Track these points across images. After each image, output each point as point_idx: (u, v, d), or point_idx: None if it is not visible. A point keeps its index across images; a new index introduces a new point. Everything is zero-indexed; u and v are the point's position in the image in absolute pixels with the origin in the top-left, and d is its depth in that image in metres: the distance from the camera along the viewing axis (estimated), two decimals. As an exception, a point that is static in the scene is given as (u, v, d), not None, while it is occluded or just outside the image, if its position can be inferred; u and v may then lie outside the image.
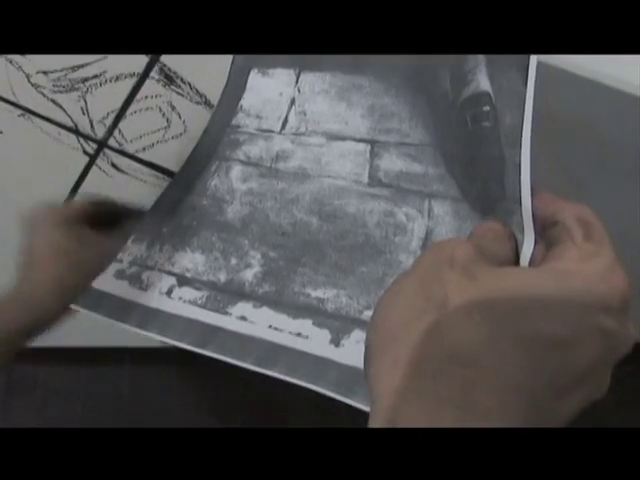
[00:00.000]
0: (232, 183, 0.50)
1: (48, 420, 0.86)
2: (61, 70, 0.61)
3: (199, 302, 0.46)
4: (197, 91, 0.59)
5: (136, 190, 0.65)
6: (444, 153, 0.45)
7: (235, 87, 0.52)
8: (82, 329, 0.57)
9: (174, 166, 0.61)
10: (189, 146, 0.56)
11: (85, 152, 0.67)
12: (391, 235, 0.45)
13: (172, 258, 0.49)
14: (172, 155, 0.61)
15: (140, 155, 0.65)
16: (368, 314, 0.43)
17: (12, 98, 0.64)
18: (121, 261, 0.51)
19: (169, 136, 0.63)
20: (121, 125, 0.64)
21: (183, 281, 0.48)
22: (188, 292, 0.47)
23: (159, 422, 0.82)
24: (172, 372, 0.83)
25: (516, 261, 0.32)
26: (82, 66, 0.61)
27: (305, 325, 0.43)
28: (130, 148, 0.65)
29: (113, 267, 0.50)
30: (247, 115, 0.52)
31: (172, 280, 0.48)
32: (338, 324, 0.43)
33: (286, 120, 0.50)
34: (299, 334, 0.43)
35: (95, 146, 0.66)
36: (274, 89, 0.51)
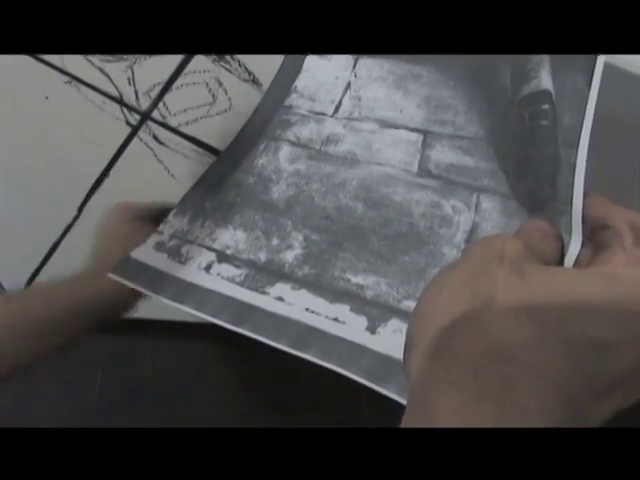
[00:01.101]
0: (280, 163, 0.54)
1: (68, 386, 0.91)
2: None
3: (237, 280, 0.50)
4: (246, 69, 0.63)
5: (175, 163, 0.70)
6: (497, 149, 0.48)
7: (291, 67, 0.56)
8: None
9: (216, 142, 0.65)
10: (233, 123, 0.60)
11: (128, 123, 0.71)
12: (436, 226, 0.48)
13: (213, 234, 0.53)
14: (215, 131, 0.65)
15: (183, 129, 0.69)
16: (407, 304, 0.46)
17: (60, 65, 0.69)
18: (162, 233, 0.55)
19: (213, 112, 0.66)
20: (166, 98, 0.68)
21: (223, 258, 0.52)
22: (227, 269, 0.51)
23: (177, 395, 0.86)
24: (193, 347, 0.87)
25: (561, 262, 0.34)
26: None
27: (342, 310, 0.46)
28: (173, 121, 0.69)
29: (153, 239, 0.55)
30: (300, 96, 0.55)
31: (212, 256, 0.52)
32: (376, 312, 0.46)
33: (340, 104, 0.54)
34: (336, 319, 0.46)
35: (138, 117, 0.70)
36: (330, 72, 0.54)
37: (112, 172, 0.75)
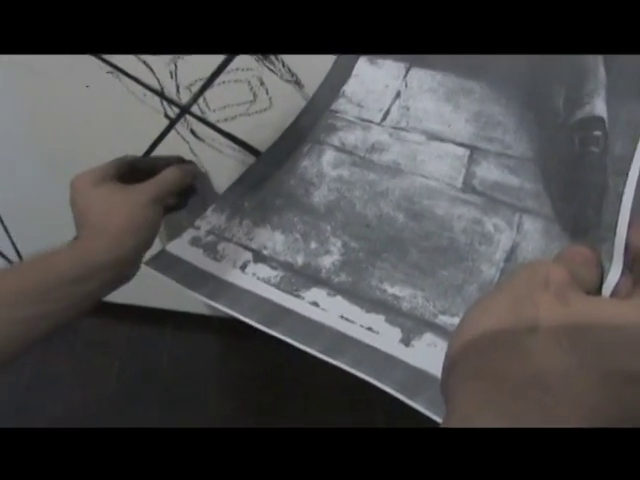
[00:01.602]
0: (322, 167, 0.56)
1: (86, 372, 0.93)
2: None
3: (273, 281, 0.52)
4: (289, 69, 0.65)
5: (210, 158, 0.72)
6: (544, 170, 0.50)
7: (340, 72, 0.57)
8: (128, 286, 0.63)
9: (253, 140, 0.67)
10: (271, 122, 0.62)
11: (166, 115, 0.73)
12: (476, 243, 0.50)
13: (251, 233, 0.55)
14: (253, 129, 0.67)
15: (220, 125, 0.71)
16: (442, 319, 0.48)
17: (103, 55, 0.71)
18: (198, 228, 0.57)
19: (253, 110, 0.68)
20: (207, 94, 0.70)
21: (259, 258, 0.54)
22: (263, 269, 0.53)
23: (192, 387, 0.88)
24: (210, 340, 0.89)
25: (600, 289, 0.36)
26: None
27: (377, 320, 0.48)
28: (212, 117, 0.71)
29: (189, 233, 0.57)
30: (348, 102, 0.57)
31: (248, 255, 0.54)
32: (411, 324, 0.48)
33: (388, 112, 0.56)
34: (370, 328, 0.48)
35: (177, 111, 0.72)
36: (381, 80, 0.56)
37: None
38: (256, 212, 0.56)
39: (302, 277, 0.52)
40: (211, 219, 0.57)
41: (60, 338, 0.89)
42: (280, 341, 0.49)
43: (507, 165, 0.51)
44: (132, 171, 0.61)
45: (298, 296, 0.51)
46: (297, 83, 0.63)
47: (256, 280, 0.53)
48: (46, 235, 0.90)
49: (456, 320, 0.47)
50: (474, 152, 0.53)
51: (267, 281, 0.52)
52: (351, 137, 0.56)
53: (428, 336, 0.47)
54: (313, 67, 0.61)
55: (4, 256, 0.98)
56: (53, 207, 0.87)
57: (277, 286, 0.52)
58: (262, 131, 0.66)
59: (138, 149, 0.76)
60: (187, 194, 0.65)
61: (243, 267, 0.54)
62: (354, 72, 0.58)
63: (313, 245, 0.53)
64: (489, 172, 0.52)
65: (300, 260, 0.53)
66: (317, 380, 0.79)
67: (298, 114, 0.59)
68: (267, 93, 0.66)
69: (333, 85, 0.58)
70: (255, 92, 0.67)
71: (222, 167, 0.69)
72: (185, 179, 0.61)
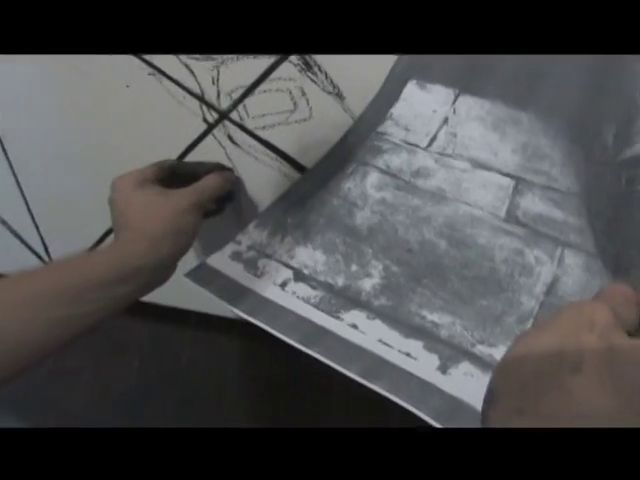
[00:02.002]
0: (366, 189, 0.58)
1: (104, 369, 0.96)
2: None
3: (312, 301, 0.54)
4: (331, 81, 0.67)
5: (245, 165, 0.74)
6: (589, 206, 0.52)
7: (389, 94, 0.59)
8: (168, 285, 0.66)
9: (290, 149, 0.70)
10: (310, 133, 0.65)
11: (205, 120, 0.76)
12: (517, 274, 0.52)
13: (292, 251, 0.57)
14: (291, 138, 0.70)
15: (258, 132, 0.73)
16: (480, 348, 0.50)
17: (146, 56, 0.74)
18: (239, 243, 0.59)
19: (292, 119, 0.71)
20: (247, 101, 0.73)
21: (299, 276, 0.56)
22: (303, 288, 0.55)
23: (211, 389, 0.90)
24: (233, 343, 0.91)
25: (639, 329, 0.38)
26: None
27: (416, 346, 0.50)
28: (250, 124, 0.73)
29: (230, 248, 0.59)
30: (395, 124, 0.59)
31: (288, 273, 0.56)
32: (448, 352, 0.50)
33: (434, 138, 0.57)
34: (408, 354, 0.50)
35: (216, 116, 0.75)
36: (429, 104, 0.58)
37: None
38: (298, 230, 0.58)
39: (342, 298, 0.54)
40: (253, 234, 0.60)
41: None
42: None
43: (552, 198, 0.53)
44: (173, 175, 0.63)
45: (337, 317, 0.53)
46: (338, 95, 0.66)
47: (296, 299, 0.55)
48: (74, 233, 0.94)
49: (494, 350, 0.49)
50: (519, 183, 0.54)
51: (307, 300, 0.54)
52: (396, 160, 0.58)
53: (465, 365, 0.49)
54: (355, 80, 0.63)
55: (32, 249, 1.01)
56: (84, 205, 0.90)
57: (316, 306, 0.54)
58: (300, 141, 0.68)
59: (174, 151, 0.78)
60: (225, 201, 0.67)
61: (283, 285, 0.56)
62: (402, 95, 0.60)
63: (354, 267, 0.55)
64: (533, 204, 0.53)
65: (340, 281, 0.55)
66: (337, 387, 0.81)
67: (344, 134, 0.61)
68: (308, 103, 0.68)
69: (381, 107, 0.60)
70: (296, 102, 0.69)
71: (257, 174, 0.72)
72: (225, 186, 0.63)
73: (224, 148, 0.75)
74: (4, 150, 0.91)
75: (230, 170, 0.70)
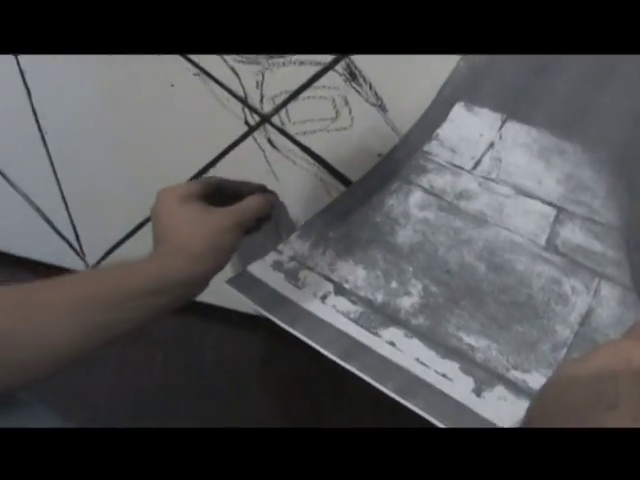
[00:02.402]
0: (409, 207, 0.61)
1: (129, 362, 0.99)
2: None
3: (352, 316, 0.57)
4: (375, 93, 0.70)
5: (283, 168, 0.77)
6: (629, 240, 0.54)
7: (436, 113, 0.62)
8: None
9: (329, 156, 0.73)
10: (349, 141, 0.68)
11: (246, 122, 0.79)
12: (553, 303, 0.55)
13: (333, 265, 0.60)
14: (330, 145, 0.73)
15: (299, 138, 0.76)
16: (514, 374, 0.53)
17: (193, 57, 0.76)
18: (281, 253, 0.62)
19: (333, 127, 0.73)
20: (289, 106, 0.76)
21: (340, 290, 0.59)
22: (343, 303, 0.58)
23: (234, 386, 0.93)
24: (259, 341, 0.94)
25: None
26: None
27: (452, 367, 0.53)
28: (291, 129, 0.76)
29: (272, 257, 0.62)
30: (441, 145, 0.62)
31: (329, 287, 0.59)
32: (484, 375, 0.53)
33: (479, 162, 0.60)
34: (444, 375, 0.53)
35: (258, 119, 0.78)
36: (476, 128, 0.61)
37: (219, 164, 0.83)
38: (340, 244, 0.61)
39: (381, 315, 0.57)
40: (295, 245, 0.63)
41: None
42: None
43: (592, 230, 0.56)
44: (216, 192, 0.66)
45: (376, 334, 0.56)
46: (381, 107, 0.68)
47: (335, 312, 0.58)
48: (105, 224, 0.98)
49: (527, 377, 0.52)
50: (561, 213, 0.57)
51: (346, 315, 0.57)
52: (440, 181, 0.61)
53: (499, 389, 0.52)
54: (399, 94, 0.66)
55: (63, 237, 1.05)
56: (118, 199, 0.94)
57: (356, 321, 0.57)
58: (339, 148, 0.71)
59: (214, 150, 0.82)
60: (264, 221, 0.70)
61: (323, 298, 0.59)
62: (450, 116, 0.62)
63: (394, 284, 0.58)
64: (573, 234, 0.56)
65: (380, 298, 0.58)
66: (359, 391, 0.84)
67: (389, 150, 0.64)
68: (350, 113, 0.71)
69: (428, 126, 0.63)
70: (338, 110, 0.72)
71: (294, 177, 0.75)
72: (266, 209, 0.66)
73: (263, 151, 0.78)
74: (44, 141, 0.94)
75: (272, 193, 0.73)
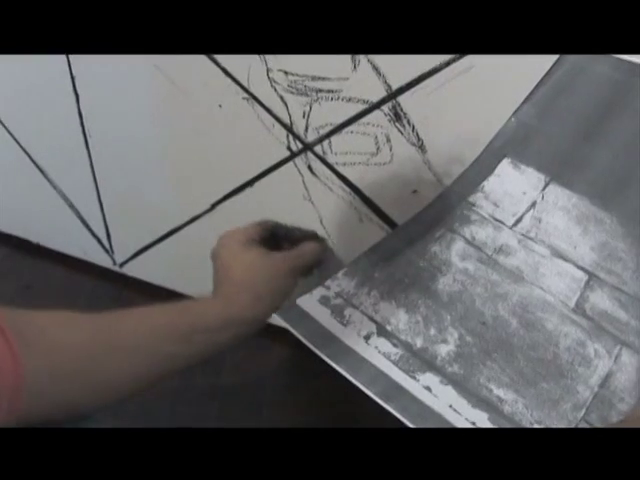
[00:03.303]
0: (451, 256, 0.69)
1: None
2: (302, 76, 0.81)
3: (392, 358, 0.66)
4: (417, 135, 0.77)
5: (319, 193, 0.86)
6: (652, 314, 0.63)
7: (484, 166, 0.70)
8: (200, 277, 0.78)
9: (365, 187, 0.82)
10: (387, 176, 0.77)
11: (289, 148, 0.87)
12: (576, 364, 0.64)
13: (377, 305, 0.68)
14: (367, 178, 0.82)
15: (338, 168, 0.84)
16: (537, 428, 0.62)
17: (244, 83, 0.85)
18: (328, 288, 0.70)
19: (373, 162, 0.82)
20: (333, 138, 0.83)
21: (382, 332, 0.67)
22: (385, 344, 0.66)
23: (251, 395, 1.02)
24: (279, 351, 1.02)
25: None
26: (323, 79, 0.80)
27: (481, 417, 0.62)
28: (331, 159, 0.85)
29: (319, 292, 0.70)
30: (485, 198, 0.69)
31: (372, 327, 0.67)
32: (509, 427, 0.62)
33: (520, 219, 0.68)
34: (474, 423, 0.62)
35: (301, 146, 0.86)
36: (520, 185, 0.68)
37: (257, 184, 0.92)
38: (384, 285, 0.69)
39: (419, 360, 0.65)
40: (341, 282, 0.70)
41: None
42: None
43: (619, 299, 0.64)
44: (271, 235, 0.76)
45: (413, 377, 0.65)
46: (421, 148, 0.76)
47: (377, 353, 0.66)
48: (138, 228, 1.07)
49: (548, 432, 0.62)
50: (592, 279, 0.66)
51: (387, 356, 0.66)
52: (482, 233, 0.69)
53: (523, 442, 0.61)
54: (439, 136, 0.74)
55: (94, 234, 1.14)
56: (152, 205, 1.03)
57: (396, 363, 0.65)
58: (376, 181, 0.80)
59: (253, 171, 0.90)
60: (316, 266, 0.79)
61: (367, 337, 0.67)
62: (496, 171, 0.70)
63: (432, 331, 0.67)
64: (601, 301, 0.65)
65: (419, 343, 0.66)
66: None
67: (435, 198, 0.71)
68: (390, 150, 0.79)
69: (474, 178, 0.70)
70: (379, 146, 0.79)
71: (330, 203, 0.86)
72: (321, 255, 0.75)
73: (302, 176, 0.86)
74: (87, 144, 1.02)
75: (324, 240, 0.81)
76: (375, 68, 0.75)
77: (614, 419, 0.60)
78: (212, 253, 0.74)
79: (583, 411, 0.62)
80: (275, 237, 0.77)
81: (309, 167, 0.85)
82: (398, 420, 0.61)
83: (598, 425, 0.60)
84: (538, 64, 0.69)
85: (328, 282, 0.71)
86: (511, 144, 0.70)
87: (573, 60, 0.68)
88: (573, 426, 0.61)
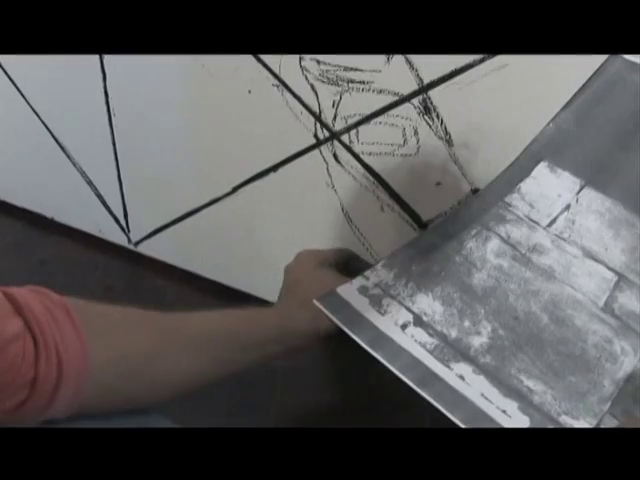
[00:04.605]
0: (486, 253, 0.77)
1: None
2: (334, 65, 0.89)
3: (428, 347, 0.74)
4: (445, 129, 0.86)
5: (343, 181, 0.94)
6: (676, 315, 0.72)
7: (521, 168, 0.78)
8: (219, 263, 0.85)
9: (388, 177, 0.90)
10: (412, 168, 0.86)
11: (315, 136, 0.95)
12: (603, 360, 0.72)
13: (414, 296, 0.77)
14: (392, 168, 0.90)
15: (364, 157, 0.92)
16: (564, 418, 0.70)
17: (275, 69, 0.92)
18: (367, 278, 0.78)
19: (399, 153, 0.90)
20: (361, 127, 0.91)
21: (419, 322, 0.75)
22: (421, 334, 0.74)
23: (260, 387, 1.09)
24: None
25: None
26: (355, 69, 0.88)
27: (511, 406, 0.70)
28: (357, 148, 0.93)
29: (358, 281, 0.78)
30: (521, 199, 0.78)
31: (409, 317, 0.76)
32: (538, 417, 0.70)
33: (554, 220, 0.77)
34: (504, 411, 0.70)
35: (328, 134, 0.94)
36: (555, 188, 0.77)
37: (281, 170, 1.00)
38: (421, 278, 0.78)
39: (453, 350, 0.74)
40: (380, 273, 0.79)
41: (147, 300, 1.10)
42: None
43: None
44: (345, 263, 0.86)
45: (448, 366, 0.73)
46: (448, 142, 0.84)
47: (414, 342, 0.74)
48: (155, 209, 1.15)
49: (575, 422, 0.70)
50: (621, 280, 0.74)
51: (423, 345, 0.74)
52: (517, 232, 0.78)
53: (550, 431, 0.70)
54: (467, 132, 0.82)
55: (111, 212, 1.23)
56: (172, 187, 1.12)
57: (431, 352, 0.73)
58: (400, 172, 0.89)
59: (279, 156, 0.98)
60: None
61: (404, 327, 0.75)
62: (533, 173, 0.78)
63: (467, 323, 0.75)
64: (630, 301, 0.73)
65: (454, 334, 0.75)
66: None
67: (474, 197, 0.80)
68: (417, 142, 0.87)
69: (511, 179, 0.79)
70: (406, 138, 0.88)
71: (352, 191, 0.95)
72: None
73: (327, 163, 0.95)
74: (111, 123, 1.11)
75: None
76: (408, 62, 0.83)
77: (638, 413, 0.68)
78: (286, 267, 0.84)
79: (609, 404, 0.70)
80: (348, 267, 0.86)
81: (334, 155, 0.93)
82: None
83: (622, 418, 0.68)
84: (574, 70, 0.77)
85: (367, 273, 0.79)
86: (548, 148, 0.78)
87: (612, 70, 0.77)
88: (599, 418, 0.69)
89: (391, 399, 1.00)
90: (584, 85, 0.77)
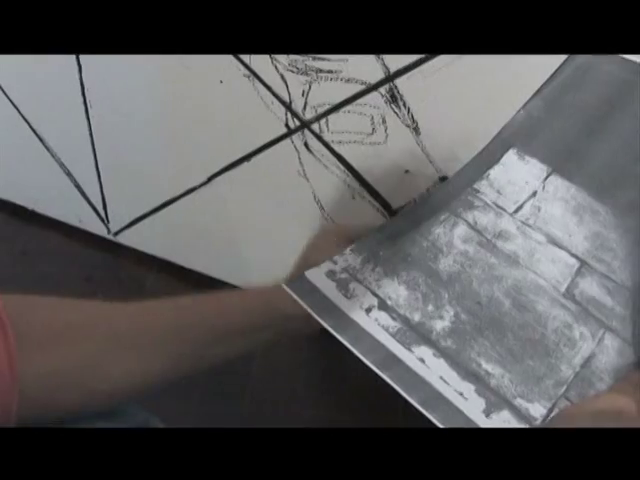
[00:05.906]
0: (453, 239, 0.84)
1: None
2: (303, 55, 0.95)
3: (390, 330, 0.81)
4: (412, 117, 0.93)
5: (314, 169, 1.03)
6: (635, 302, 0.78)
7: (490, 155, 0.85)
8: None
9: (359, 166, 0.98)
10: (380, 155, 0.93)
11: (287, 125, 1.03)
12: (562, 345, 0.79)
13: (380, 281, 0.84)
14: (361, 157, 0.98)
15: (334, 146, 1.00)
16: (519, 401, 0.76)
17: (246, 59, 1.00)
18: (335, 263, 0.86)
19: (368, 141, 0.97)
20: (330, 116, 0.99)
21: (383, 306, 0.82)
22: (384, 317, 0.81)
23: (278, 386, 1.16)
24: (306, 341, 1.16)
25: None
26: (322, 59, 0.95)
27: (468, 388, 0.77)
28: (328, 137, 1.01)
29: (326, 266, 0.85)
30: (490, 185, 0.85)
31: (374, 301, 0.83)
32: (494, 399, 0.76)
33: (521, 207, 0.84)
34: (461, 394, 0.76)
35: (298, 124, 1.02)
36: (523, 175, 0.84)
37: (254, 159, 1.08)
38: (388, 263, 0.85)
39: (415, 333, 0.80)
40: (348, 258, 0.86)
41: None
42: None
43: (607, 286, 0.80)
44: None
45: (409, 349, 0.79)
46: (415, 130, 0.92)
47: (377, 325, 0.81)
48: (134, 199, 1.25)
49: (530, 406, 0.76)
50: (583, 266, 0.81)
51: (386, 329, 0.80)
52: (484, 218, 0.85)
53: (505, 413, 0.76)
54: (433, 120, 0.90)
55: (90, 203, 1.32)
56: (149, 177, 1.23)
57: (393, 335, 0.80)
58: (370, 160, 0.97)
59: (250, 146, 1.07)
60: None
61: (368, 310, 0.82)
62: (502, 160, 0.85)
63: (430, 307, 0.82)
64: (590, 287, 0.80)
65: (416, 318, 0.82)
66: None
67: (443, 183, 0.87)
68: (385, 131, 0.95)
69: (480, 165, 0.86)
70: (375, 127, 0.95)
71: (323, 180, 1.02)
72: None
73: (298, 152, 1.03)
74: (87, 113, 1.20)
75: None
76: (374, 51, 0.90)
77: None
78: (311, 236, 0.89)
79: (564, 388, 0.76)
80: None
81: (305, 144, 1.00)
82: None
83: (576, 401, 0.75)
84: (543, 58, 0.83)
85: (336, 257, 0.86)
86: (518, 135, 0.85)
87: (582, 58, 0.83)
88: (553, 402, 0.76)
89: (367, 387, 1.06)
90: (555, 72, 0.84)
